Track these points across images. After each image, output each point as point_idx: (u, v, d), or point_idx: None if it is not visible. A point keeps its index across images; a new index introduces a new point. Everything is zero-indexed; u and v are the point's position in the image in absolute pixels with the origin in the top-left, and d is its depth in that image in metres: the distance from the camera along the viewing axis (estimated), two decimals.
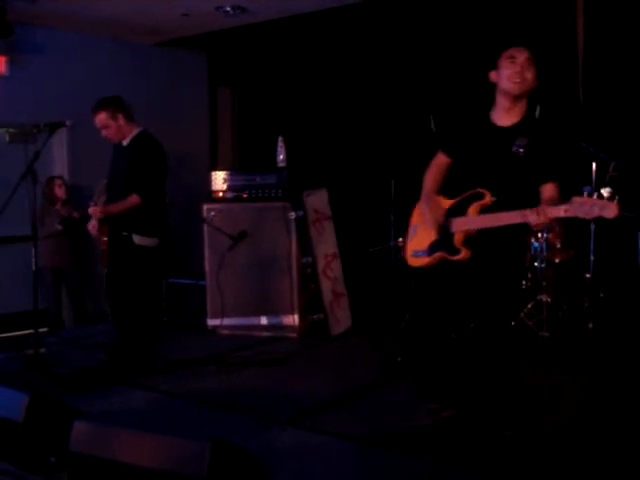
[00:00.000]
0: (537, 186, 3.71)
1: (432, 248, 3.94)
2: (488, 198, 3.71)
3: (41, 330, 5.98)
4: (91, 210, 5.29)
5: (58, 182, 6.86)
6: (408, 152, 7.00)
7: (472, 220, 3.75)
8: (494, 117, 3.84)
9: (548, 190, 3.70)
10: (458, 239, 3.80)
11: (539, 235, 6.00)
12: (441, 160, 4.07)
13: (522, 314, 5.89)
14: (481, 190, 3.74)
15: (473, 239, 3.79)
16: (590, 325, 5.65)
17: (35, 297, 5.45)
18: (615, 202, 3.31)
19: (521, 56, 3.72)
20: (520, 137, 3.70)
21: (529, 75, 3.71)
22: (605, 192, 3.38)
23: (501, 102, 3.80)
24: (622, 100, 6.09)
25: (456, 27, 6.81)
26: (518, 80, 3.69)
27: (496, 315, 3.87)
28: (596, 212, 3.30)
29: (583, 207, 3.35)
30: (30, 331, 5.68)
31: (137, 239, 5.29)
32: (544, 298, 5.86)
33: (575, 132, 5.90)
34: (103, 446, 2.77)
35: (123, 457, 2.70)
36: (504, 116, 3.80)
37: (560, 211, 3.46)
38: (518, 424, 3.90)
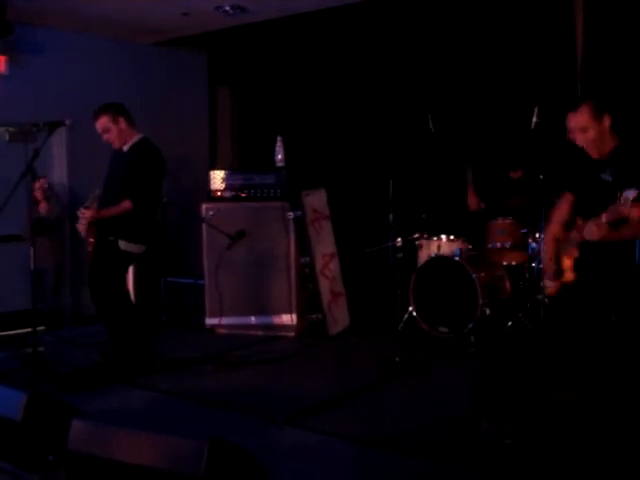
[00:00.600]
0: None
1: None
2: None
3: (39, 329, 5.98)
4: (82, 213, 5.29)
5: (38, 184, 6.78)
6: (406, 152, 7.01)
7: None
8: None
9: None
10: None
11: (536, 235, 6.01)
12: (567, 199, 4.17)
13: (520, 314, 5.90)
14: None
15: None
16: (587, 325, 5.64)
17: (34, 296, 5.46)
18: None
19: (572, 125, 3.86)
20: (607, 167, 3.80)
21: (589, 135, 3.80)
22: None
23: None
24: (621, 99, 6.09)
25: (455, 26, 6.82)
26: (589, 147, 3.84)
27: None
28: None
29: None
30: (29, 330, 5.68)
31: (123, 245, 5.29)
32: (541, 298, 5.86)
33: None
34: (101, 445, 2.77)
35: (121, 456, 2.70)
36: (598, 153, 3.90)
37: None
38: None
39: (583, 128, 3.79)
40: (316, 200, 6.65)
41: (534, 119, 5.69)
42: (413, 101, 7.07)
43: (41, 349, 5.62)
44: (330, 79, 7.80)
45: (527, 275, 6.18)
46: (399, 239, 6.41)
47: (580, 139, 3.83)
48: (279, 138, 6.68)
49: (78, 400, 4.05)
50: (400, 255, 6.41)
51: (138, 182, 5.24)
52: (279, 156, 6.66)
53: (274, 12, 6.86)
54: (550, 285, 4.12)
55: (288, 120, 7.91)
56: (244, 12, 6.79)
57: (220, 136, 8.96)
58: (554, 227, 4.15)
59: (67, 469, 2.91)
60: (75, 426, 2.86)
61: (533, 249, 6.05)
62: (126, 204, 5.19)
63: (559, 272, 3.98)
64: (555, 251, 4.06)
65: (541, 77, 6.40)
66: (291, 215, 6.44)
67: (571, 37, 6.37)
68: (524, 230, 6.09)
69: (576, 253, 3.88)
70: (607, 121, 3.82)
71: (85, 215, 5.27)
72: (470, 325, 5.89)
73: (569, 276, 3.94)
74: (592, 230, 3.65)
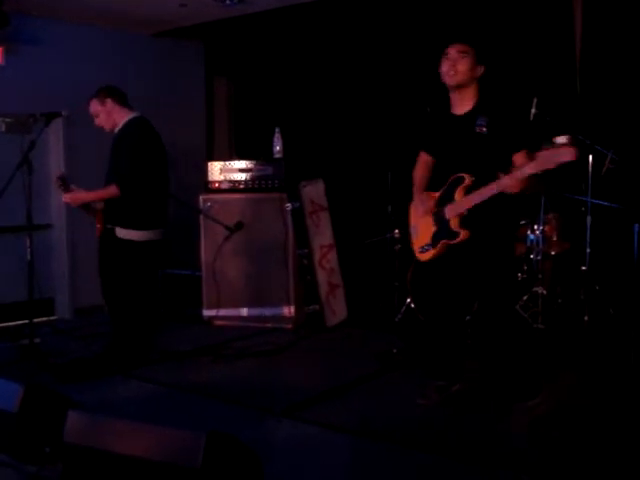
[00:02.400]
0: (509, 158, 3.98)
1: (434, 239, 4.22)
2: (468, 179, 4.00)
3: (36, 320, 5.97)
4: (64, 197, 5.33)
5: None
6: (405, 144, 6.98)
7: (460, 203, 4.03)
8: (452, 109, 4.20)
9: (519, 158, 3.95)
10: (454, 223, 4.08)
11: (535, 227, 6.01)
12: (424, 158, 4.44)
13: (518, 306, 5.90)
14: (460, 174, 4.04)
15: (467, 219, 4.04)
16: (585, 318, 5.66)
17: (30, 287, 5.44)
18: (572, 147, 3.65)
19: (452, 50, 4.08)
20: (480, 117, 4.02)
21: (460, 67, 4.04)
22: (561, 139, 3.65)
23: (451, 95, 4.19)
24: (620, 92, 6.08)
25: (454, 19, 6.79)
26: (451, 73, 4.05)
27: (498, 288, 4.12)
28: (557, 159, 3.56)
29: (546, 159, 3.61)
30: (25, 321, 5.67)
31: (121, 232, 5.20)
32: (540, 290, 5.87)
33: (572, 124, 5.89)
34: (98, 436, 2.77)
35: (118, 448, 2.70)
36: (458, 106, 4.16)
37: (528, 169, 3.70)
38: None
39: (464, 52, 4.06)
40: (314, 191, 6.63)
41: (533, 110, 5.68)
42: (412, 92, 7.05)
43: (37, 340, 5.61)
44: (328, 70, 7.78)
45: (525, 267, 6.17)
46: (397, 231, 6.41)
47: (458, 60, 4.05)
48: (277, 129, 6.66)
49: (74, 392, 4.04)
50: (398, 247, 6.41)
51: (124, 163, 5.10)
52: (277, 147, 6.64)
53: (272, 2, 6.83)
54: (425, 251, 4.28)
55: (286, 111, 7.88)
56: (242, 2, 6.75)
57: (217, 127, 8.93)
58: (418, 193, 4.37)
59: (64, 461, 2.90)
60: (71, 418, 2.86)
61: (532, 241, 6.05)
62: (111, 189, 5.09)
63: (452, 234, 4.07)
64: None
65: (540, 68, 6.38)
66: (289, 206, 6.43)
67: (570, 28, 6.35)
68: (523, 222, 6.08)
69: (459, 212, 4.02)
70: (481, 70, 4.09)
71: (66, 199, 5.25)
72: (468, 317, 5.87)
73: (464, 234, 4.03)
74: (510, 183, 3.79)
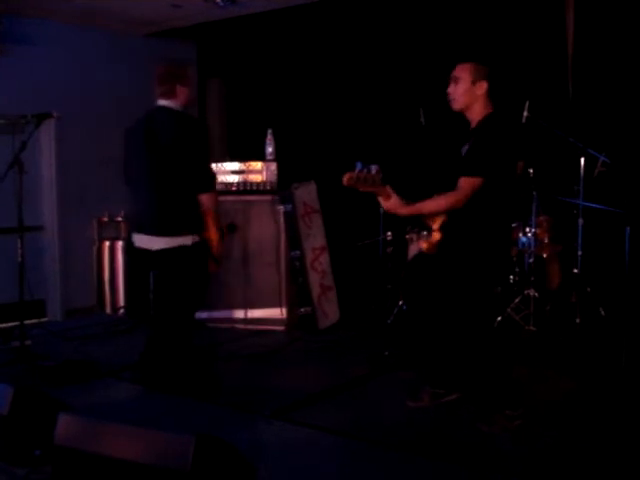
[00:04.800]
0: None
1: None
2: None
3: (27, 322, 5.95)
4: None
5: None
6: (397, 146, 6.99)
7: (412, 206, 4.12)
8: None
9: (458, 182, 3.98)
10: (436, 224, 4.18)
11: (527, 230, 6.02)
12: None
13: (509, 309, 5.91)
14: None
15: (445, 225, 4.11)
16: (577, 320, 5.67)
17: (21, 289, 5.42)
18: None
19: (451, 75, 4.12)
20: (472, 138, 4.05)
21: (454, 94, 4.09)
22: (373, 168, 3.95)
23: None
24: (612, 95, 6.10)
25: (446, 21, 6.80)
26: (450, 100, 4.13)
27: (452, 301, 4.12)
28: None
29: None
30: (16, 323, 5.65)
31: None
32: (531, 293, 5.87)
33: (564, 127, 5.91)
34: (88, 439, 2.76)
35: (108, 450, 2.69)
36: (471, 123, 4.17)
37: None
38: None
39: (456, 78, 4.07)
40: (306, 193, 6.63)
41: (525, 113, 5.69)
42: (404, 94, 7.06)
43: (28, 342, 5.59)
44: (321, 71, 7.78)
45: (517, 269, 6.18)
46: (389, 233, 6.41)
47: (450, 88, 4.10)
48: (269, 131, 6.66)
49: (65, 394, 4.03)
50: (390, 249, 6.41)
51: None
52: (269, 149, 6.64)
53: (265, 4, 6.83)
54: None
55: (278, 113, 7.87)
56: (234, 4, 6.75)
57: (210, 128, 8.90)
58: None
59: (54, 463, 2.89)
60: (62, 420, 2.85)
61: (523, 243, 6.06)
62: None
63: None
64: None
65: (532, 71, 6.39)
66: (281, 208, 6.42)
67: (562, 31, 6.37)
68: (514, 224, 6.09)
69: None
70: (482, 87, 4.04)
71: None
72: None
73: (437, 235, 4.12)
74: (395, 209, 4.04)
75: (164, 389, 4.68)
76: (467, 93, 4.04)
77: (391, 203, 4.00)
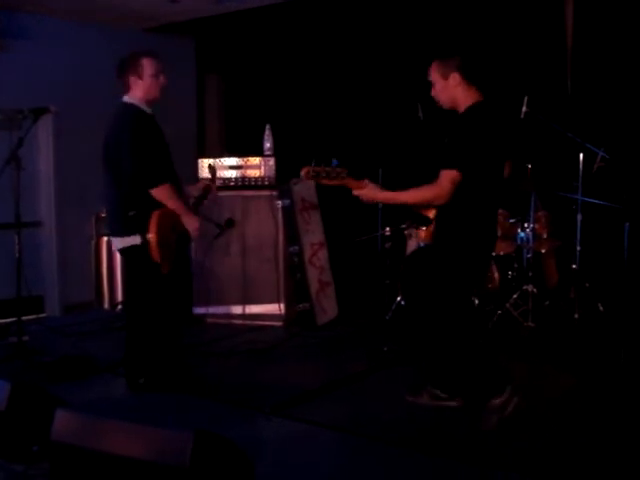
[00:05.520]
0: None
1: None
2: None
3: (25, 318, 5.94)
4: None
5: None
6: (396, 140, 6.98)
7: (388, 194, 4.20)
8: None
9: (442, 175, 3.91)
10: (432, 213, 4.21)
11: (525, 225, 6.02)
12: None
13: (508, 304, 5.90)
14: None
15: (437, 216, 4.14)
16: (576, 315, 5.67)
17: (19, 285, 5.41)
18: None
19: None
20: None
21: (436, 96, 4.13)
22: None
23: None
24: (611, 90, 6.09)
25: (444, 14, 6.78)
26: (438, 101, 4.15)
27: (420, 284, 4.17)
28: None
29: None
30: (14, 319, 5.64)
31: None
32: (530, 288, 5.87)
33: (563, 122, 5.90)
34: (85, 436, 2.75)
35: (105, 447, 2.67)
36: None
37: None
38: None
39: (431, 81, 4.11)
40: (305, 189, 6.62)
41: (524, 108, 5.68)
42: (403, 89, 7.04)
43: (26, 338, 5.58)
44: (320, 67, 7.76)
45: (516, 265, 6.18)
46: (388, 228, 6.40)
47: (432, 92, 4.14)
48: (268, 126, 6.64)
49: (63, 390, 4.02)
50: (389, 244, 6.40)
51: None
52: (268, 144, 6.63)
53: None
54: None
55: (277, 108, 7.86)
56: None
57: (208, 124, 8.91)
58: None
59: (51, 460, 2.88)
60: (59, 416, 2.83)
61: (522, 239, 6.05)
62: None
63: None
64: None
65: (531, 67, 6.38)
66: (280, 204, 6.41)
67: (561, 27, 6.36)
68: (512, 220, 6.08)
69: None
70: (455, 79, 4.00)
71: None
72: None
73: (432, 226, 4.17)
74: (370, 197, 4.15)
75: (144, 389, 4.64)
76: (444, 90, 4.04)
77: (366, 191, 4.07)
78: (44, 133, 7.03)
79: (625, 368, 4.86)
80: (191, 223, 4.60)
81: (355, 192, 4.10)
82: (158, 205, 4.43)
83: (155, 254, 4.36)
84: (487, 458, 3.55)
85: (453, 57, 4.03)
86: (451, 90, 4.01)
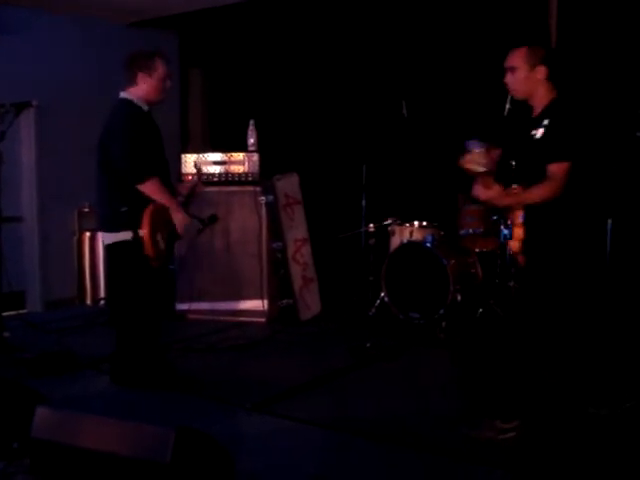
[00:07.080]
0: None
1: None
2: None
3: (6, 314, 5.90)
4: None
5: None
6: (380, 137, 6.98)
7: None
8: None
9: (553, 168, 3.62)
10: None
11: (508, 222, 6.02)
12: None
13: (491, 300, 5.92)
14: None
15: None
16: None
17: (0, 280, 5.37)
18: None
19: (506, 63, 3.88)
20: (544, 120, 3.73)
21: (512, 84, 3.87)
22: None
23: None
24: (593, 90, 6.11)
25: (428, 14, 6.79)
26: (510, 90, 3.93)
27: None
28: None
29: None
30: None
31: None
32: (512, 284, 5.88)
33: None
34: (66, 432, 2.74)
35: (86, 443, 2.67)
36: (535, 110, 3.88)
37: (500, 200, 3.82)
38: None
39: (512, 67, 3.82)
40: (288, 185, 6.61)
41: (507, 106, 5.68)
42: (387, 86, 7.04)
43: (7, 334, 5.54)
44: (303, 62, 7.75)
45: (499, 262, 6.19)
46: (371, 225, 6.40)
47: (508, 78, 3.86)
48: (251, 121, 6.62)
49: (43, 386, 3.99)
50: (372, 241, 6.40)
51: None
52: (251, 140, 6.61)
53: None
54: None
55: (261, 103, 7.84)
56: None
57: (192, 119, 8.88)
58: None
59: (31, 456, 2.87)
60: (40, 413, 2.82)
61: (505, 236, 6.06)
62: None
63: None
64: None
65: None
66: (263, 200, 6.40)
67: (545, 22, 6.37)
68: (495, 217, 6.10)
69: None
70: (542, 72, 3.77)
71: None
72: (441, 311, 5.90)
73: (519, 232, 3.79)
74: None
75: (128, 385, 4.63)
76: (527, 80, 3.79)
77: (492, 192, 3.74)
78: (26, 127, 6.97)
79: (607, 360, 4.88)
80: (180, 219, 4.62)
81: (483, 196, 3.78)
82: (150, 201, 4.45)
83: (149, 249, 4.38)
84: (471, 455, 3.56)
85: (541, 48, 3.84)
86: (533, 82, 3.78)
